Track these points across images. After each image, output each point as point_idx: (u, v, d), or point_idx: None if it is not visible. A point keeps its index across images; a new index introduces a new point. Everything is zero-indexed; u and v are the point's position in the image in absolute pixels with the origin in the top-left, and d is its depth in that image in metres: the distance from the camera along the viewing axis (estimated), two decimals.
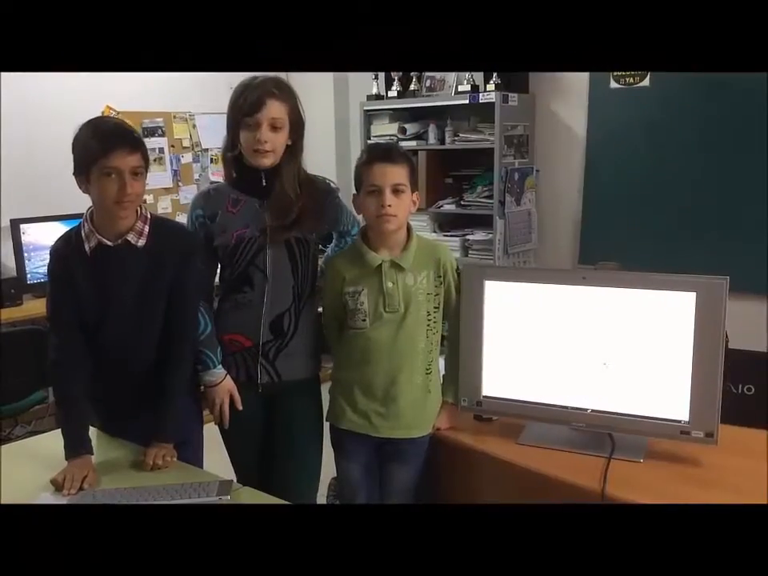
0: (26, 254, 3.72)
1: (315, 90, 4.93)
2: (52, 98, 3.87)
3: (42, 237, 3.59)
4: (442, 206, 4.26)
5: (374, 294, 1.86)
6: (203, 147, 4.76)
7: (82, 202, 1.82)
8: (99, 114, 4.08)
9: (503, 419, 1.96)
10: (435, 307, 1.90)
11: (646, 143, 3.77)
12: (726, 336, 1.66)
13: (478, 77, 4.08)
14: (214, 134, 4.56)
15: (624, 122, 3.83)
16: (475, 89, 4.03)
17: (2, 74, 3.61)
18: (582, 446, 1.78)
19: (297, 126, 1.91)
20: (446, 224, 4.37)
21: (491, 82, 3.95)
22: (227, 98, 1.90)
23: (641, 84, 3.76)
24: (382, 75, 4.49)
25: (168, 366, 1.85)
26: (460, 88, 4.10)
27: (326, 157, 4.93)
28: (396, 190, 1.81)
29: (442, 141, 4.23)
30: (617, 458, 1.70)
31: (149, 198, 4.50)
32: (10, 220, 3.73)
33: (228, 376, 1.97)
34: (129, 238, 1.76)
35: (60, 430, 1.80)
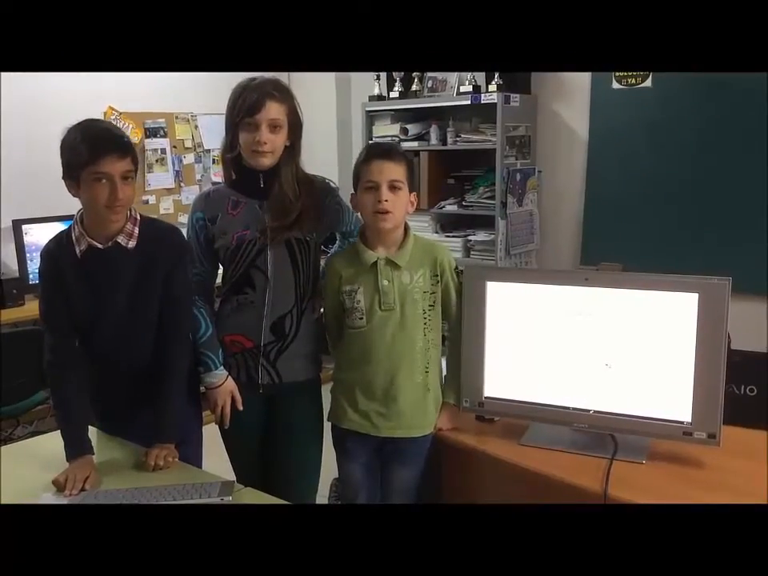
0: (28, 255, 3.73)
1: (317, 90, 4.94)
2: (54, 99, 3.87)
3: (44, 237, 3.52)
4: (443, 207, 4.26)
5: (370, 291, 1.87)
6: (205, 148, 4.76)
7: None
8: (99, 115, 4.12)
9: (505, 420, 1.96)
10: (431, 305, 1.90)
11: (647, 144, 3.76)
12: (729, 337, 1.65)
13: (480, 77, 4.07)
14: (216, 135, 4.55)
15: (626, 123, 3.83)
16: (477, 89, 4.03)
17: (3, 74, 3.62)
18: (584, 447, 1.78)
19: (295, 126, 1.91)
20: (447, 225, 4.37)
21: (493, 82, 3.94)
22: None
23: (643, 85, 3.75)
24: (383, 76, 4.49)
25: (164, 366, 1.85)
26: (462, 89, 4.10)
27: (327, 157, 4.93)
28: (393, 187, 1.81)
29: (443, 141, 4.23)
30: (619, 459, 1.70)
31: (151, 199, 4.50)
32: (12, 221, 3.73)
33: (229, 377, 1.97)
34: (119, 240, 1.76)
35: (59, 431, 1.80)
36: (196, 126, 4.71)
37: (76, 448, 1.76)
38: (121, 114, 4.28)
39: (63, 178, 1.70)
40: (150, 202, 4.49)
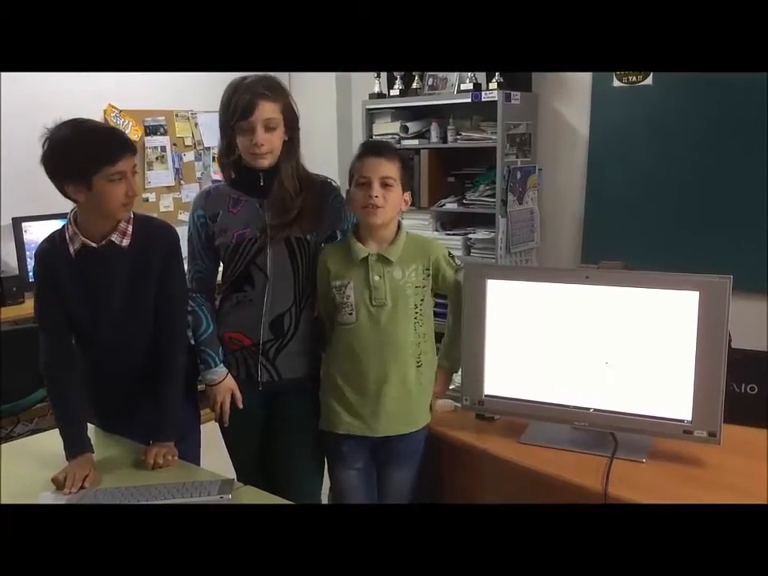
0: (27, 253, 3.73)
1: (317, 88, 4.94)
2: (53, 97, 3.86)
3: (44, 235, 3.57)
4: (444, 205, 4.25)
5: (360, 287, 1.86)
6: (205, 146, 4.75)
7: None
8: (99, 113, 4.12)
9: (505, 418, 1.96)
10: (422, 299, 1.90)
11: (648, 141, 3.76)
12: (729, 335, 1.65)
13: (481, 75, 4.06)
14: (215, 133, 4.50)
15: (627, 121, 3.82)
16: (477, 87, 4.01)
17: (3, 73, 3.61)
18: (584, 446, 1.78)
19: (292, 122, 1.90)
20: (448, 223, 4.36)
21: (493, 80, 3.93)
22: None
23: (644, 82, 3.74)
24: (384, 74, 4.48)
25: (161, 365, 1.85)
26: (462, 86, 4.09)
27: (328, 155, 4.92)
28: (385, 184, 1.81)
29: (444, 139, 4.22)
30: (619, 458, 1.70)
31: (151, 197, 4.50)
32: (12, 218, 3.73)
33: (229, 375, 1.98)
34: (113, 239, 1.76)
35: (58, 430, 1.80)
36: (196, 124, 4.70)
37: (75, 447, 1.76)
38: (121, 111, 4.28)
39: (65, 182, 1.67)
40: (150, 200, 4.49)
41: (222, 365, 1.97)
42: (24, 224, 3.74)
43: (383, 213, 1.82)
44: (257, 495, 1.66)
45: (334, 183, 2.03)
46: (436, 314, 1.98)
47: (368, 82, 4.53)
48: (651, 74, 3.71)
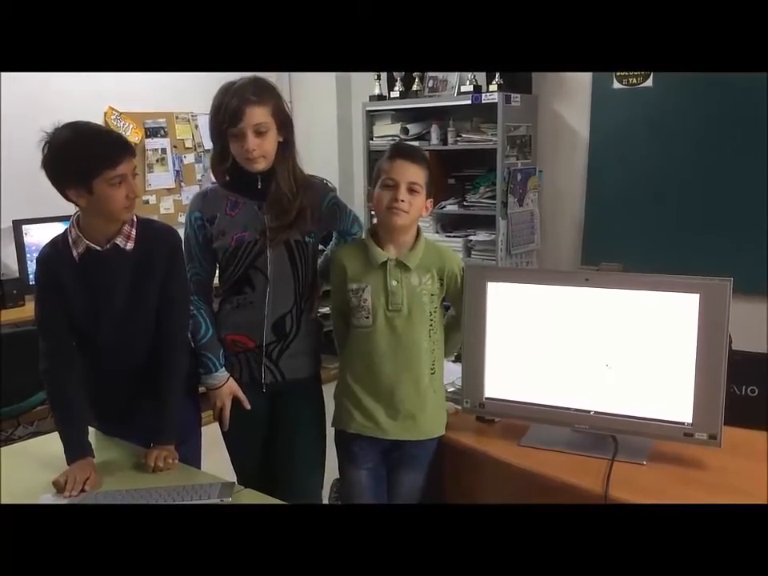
0: (28, 255, 3.72)
1: (318, 90, 4.95)
2: (54, 99, 3.87)
3: (45, 238, 3.53)
4: (444, 207, 4.25)
5: (378, 291, 1.86)
6: (205, 148, 4.75)
7: None
8: (100, 115, 4.13)
9: (506, 421, 1.95)
10: (436, 308, 1.90)
11: (648, 143, 3.76)
12: (730, 337, 1.65)
13: (481, 77, 4.07)
14: None
15: (627, 123, 3.83)
16: (478, 89, 4.02)
17: (3, 74, 3.62)
18: (584, 448, 1.77)
19: (284, 123, 1.89)
20: (448, 225, 4.37)
21: (494, 82, 3.94)
22: None
23: (643, 84, 3.75)
24: (384, 76, 4.49)
25: (163, 367, 1.85)
26: (462, 88, 4.10)
27: (328, 156, 4.93)
28: (411, 189, 1.81)
29: (444, 141, 4.23)
30: (620, 460, 1.69)
31: (152, 199, 4.50)
32: (13, 221, 3.73)
33: (231, 378, 1.97)
34: (117, 242, 1.75)
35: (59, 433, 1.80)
36: (196, 126, 4.71)
37: (76, 450, 1.75)
38: (121, 114, 4.28)
39: (66, 186, 1.66)
40: (150, 202, 4.49)
41: (222, 368, 1.97)
42: (24, 226, 3.74)
43: (407, 217, 1.82)
44: (257, 498, 1.65)
45: (330, 184, 2.03)
46: None
47: (368, 84, 4.53)
48: (651, 75, 3.71)
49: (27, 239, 3.75)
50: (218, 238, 1.92)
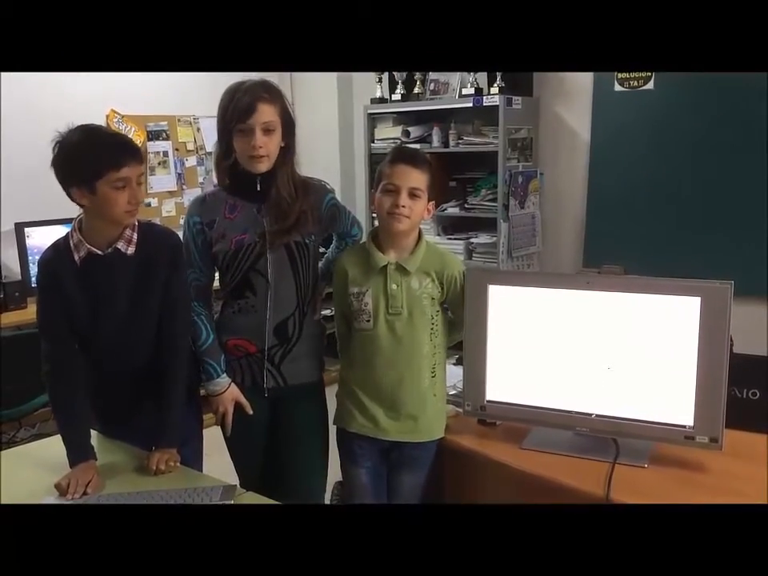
0: (30, 258, 3.73)
1: (319, 92, 4.96)
2: (56, 102, 3.88)
3: (47, 240, 3.54)
4: (445, 209, 4.25)
5: (378, 294, 1.87)
6: (207, 150, 4.76)
7: None
8: (102, 118, 4.13)
9: (507, 424, 1.95)
10: (437, 311, 1.91)
11: (649, 146, 3.76)
12: (731, 340, 1.65)
13: (482, 80, 4.08)
14: None
15: (628, 125, 3.83)
16: (479, 92, 4.03)
17: (7, 78, 3.63)
18: (586, 451, 1.78)
19: (289, 127, 1.90)
20: (449, 227, 4.37)
21: (495, 84, 3.94)
22: None
23: (644, 87, 3.75)
24: (385, 78, 4.49)
25: (164, 371, 1.85)
26: (464, 91, 4.10)
27: (329, 159, 4.94)
28: (412, 194, 1.81)
29: (445, 144, 4.23)
30: (621, 463, 1.69)
31: (153, 202, 4.51)
32: (15, 224, 3.74)
33: (232, 384, 1.97)
34: (119, 246, 1.75)
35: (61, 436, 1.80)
36: (198, 129, 4.71)
37: (78, 453, 1.75)
38: (123, 116, 4.29)
39: (71, 186, 1.67)
40: (152, 205, 4.50)
41: (224, 374, 1.96)
42: (26, 229, 3.75)
43: (408, 222, 1.82)
44: (259, 501, 1.65)
45: (328, 186, 2.03)
46: None
47: (370, 87, 4.54)
48: (652, 78, 3.71)
49: (29, 242, 3.75)
50: (217, 241, 1.91)
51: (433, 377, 1.91)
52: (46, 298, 1.79)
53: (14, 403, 3.12)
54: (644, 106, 3.75)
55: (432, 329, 1.90)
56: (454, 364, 2.24)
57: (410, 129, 4.33)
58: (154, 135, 4.50)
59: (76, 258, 1.75)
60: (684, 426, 1.69)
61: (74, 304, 1.77)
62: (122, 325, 1.81)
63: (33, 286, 3.67)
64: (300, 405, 2.01)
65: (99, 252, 1.75)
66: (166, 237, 1.87)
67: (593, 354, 1.78)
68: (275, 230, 1.89)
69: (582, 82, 3.96)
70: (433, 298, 1.89)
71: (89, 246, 1.74)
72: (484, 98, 3.96)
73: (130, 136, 4.24)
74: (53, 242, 1.82)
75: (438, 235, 4.30)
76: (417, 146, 4.25)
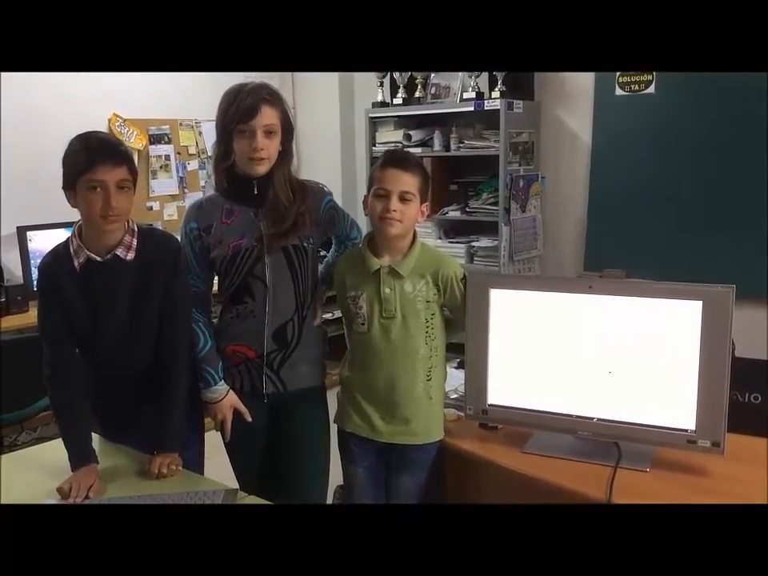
0: (32, 261, 3.73)
1: (321, 96, 4.96)
2: (58, 106, 3.89)
3: (49, 244, 3.54)
4: (447, 213, 4.26)
5: (372, 298, 1.87)
6: (209, 154, 4.76)
7: None
8: (104, 122, 4.14)
9: (508, 427, 1.95)
10: (433, 314, 1.90)
11: (650, 150, 3.76)
12: (733, 344, 1.65)
13: (483, 84, 4.08)
14: None
15: (629, 129, 3.83)
16: (480, 96, 4.03)
17: (8, 80, 3.63)
18: (587, 455, 1.77)
19: (288, 131, 1.90)
20: (451, 231, 4.37)
21: (496, 89, 3.95)
22: None
23: (646, 91, 3.76)
24: (387, 82, 4.50)
25: (165, 375, 1.85)
26: (465, 95, 4.11)
27: (331, 163, 4.94)
28: (403, 198, 1.81)
29: (447, 147, 4.23)
30: (623, 467, 1.69)
31: (155, 205, 4.52)
32: (17, 227, 3.74)
33: (231, 391, 1.96)
34: (118, 253, 1.75)
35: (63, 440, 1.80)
36: (200, 133, 4.72)
37: (80, 457, 1.76)
38: (125, 120, 4.30)
39: (63, 188, 1.71)
40: (153, 209, 4.50)
41: (222, 382, 1.95)
42: (29, 233, 3.75)
43: (400, 225, 1.82)
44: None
45: (326, 188, 2.02)
46: None
47: (371, 91, 4.55)
48: (653, 82, 3.72)
49: (31, 245, 3.76)
50: (215, 247, 1.90)
51: (428, 380, 1.91)
52: (46, 302, 1.80)
53: (16, 406, 3.12)
54: (645, 110, 3.76)
55: (427, 332, 1.89)
56: (456, 367, 2.24)
57: (411, 132, 4.33)
58: (155, 139, 4.51)
59: (75, 264, 1.75)
60: (686, 430, 1.68)
61: (74, 309, 1.77)
62: (122, 329, 1.81)
63: (35, 289, 3.64)
64: (300, 410, 2.00)
65: (98, 258, 1.75)
66: (166, 241, 1.87)
67: (594, 358, 1.78)
68: (272, 233, 1.88)
69: (583, 85, 3.97)
70: (428, 301, 1.88)
71: (88, 252, 1.74)
72: (485, 101, 3.97)
73: (131, 140, 4.29)
74: (53, 246, 1.82)
75: (440, 239, 4.30)
76: (418, 149, 4.27)
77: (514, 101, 3.95)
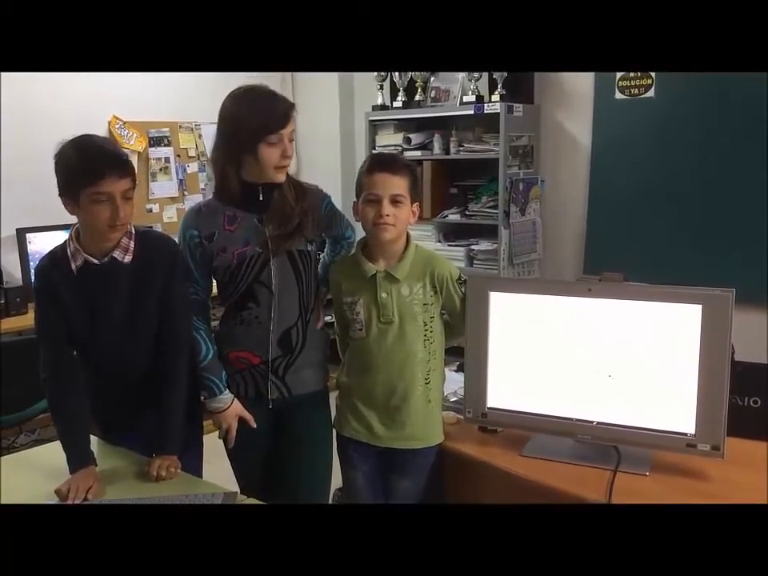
0: (31, 263, 3.73)
1: (321, 99, 4.97)
2: (58, 108, 3.89)
3: (48, 246, 3.54)
4: (446, 216, 4.26)
5: (369, 304, 1.87)
6: (209, 157, 4.76)
7: None
8: (104, 124, 4.15)
9: (508, 431, 1.95)
10: (431, 317, 1.90)
11: (650, 154, 3.77)
12: (733, 348, 1.65)
13: (483, 87, 4.09)
14: None
15: (629, 133, 3.83)
16: (480, 99, 4.04)
17: (11, 86, 3.64)
18: (587, 459, 1.77)
19: (293, 133, 1.90)
20: (450, 234, 4.37)
21: (496, 92, 3.95)
22: None
23: (645, 95, 3.76)
24: (387, 85, 4.51)
25: (165, 378, 1.85)
26: (465, 98, 4.11)
27: (331, 166, 4.94)
28: (395, 201, 1.80)
29: (446, 151, 4.24)
30: (622, 471, 1.69)
31: (155, 208, 4.51)
32: (16, 229, 3.75)
33: (235, 400, 1.94)
34: (115, 255, 1.75)
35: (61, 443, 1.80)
36: (200, 135, 4.72)
37: (78, 459, 1.75)
38: (125, 123, 4.30)
39: (60, 196, 1.69)
40: (153, 211, 4.50)
41: (226, 390, 1.94)
42: (28, 235, 3.76)
43: (394, 230, 1.81)
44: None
45: (323, 191, 2.02)
46: None
47: (371, 94, 4.55)
48: (653, 86, 3.72)
49: (31, 247, 3.76)
50: (218, 255, 1.87)
51: (427, 383, 1.90)
52: (43, 305, 1.79)
53: (15, 408, 3.12)
54: (645, 114, 3.76)
55: (426, 335, 1.89)
56: (455, 371, 2.24)
57: (411, 136, 4.34)
58: (155, 141, 4.51)
59: (73, 266, 1.74)
60: (685, 434, 1.68)
61: (72, 311, 1.77)
62: (120, 331, 1.81)
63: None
64: (304, 414, 1.99)
65: (96, 261, 1.74)
66: (164, 244, 1.86)
67: (594, 361, 1.77)
68: (278, 234, 1.86)
69: (583, 89, 3.97)
70: (425, 304, 1.88)
71: (85, 255, 1.74)
72: (485, 105, 3.97)
73: (131, 142, 4.29)
74: (50, 249, 1.82)
75: (439, 242, 4.31)
76: (418, 152, 4.28)
77: (514, 104, 3.95)
